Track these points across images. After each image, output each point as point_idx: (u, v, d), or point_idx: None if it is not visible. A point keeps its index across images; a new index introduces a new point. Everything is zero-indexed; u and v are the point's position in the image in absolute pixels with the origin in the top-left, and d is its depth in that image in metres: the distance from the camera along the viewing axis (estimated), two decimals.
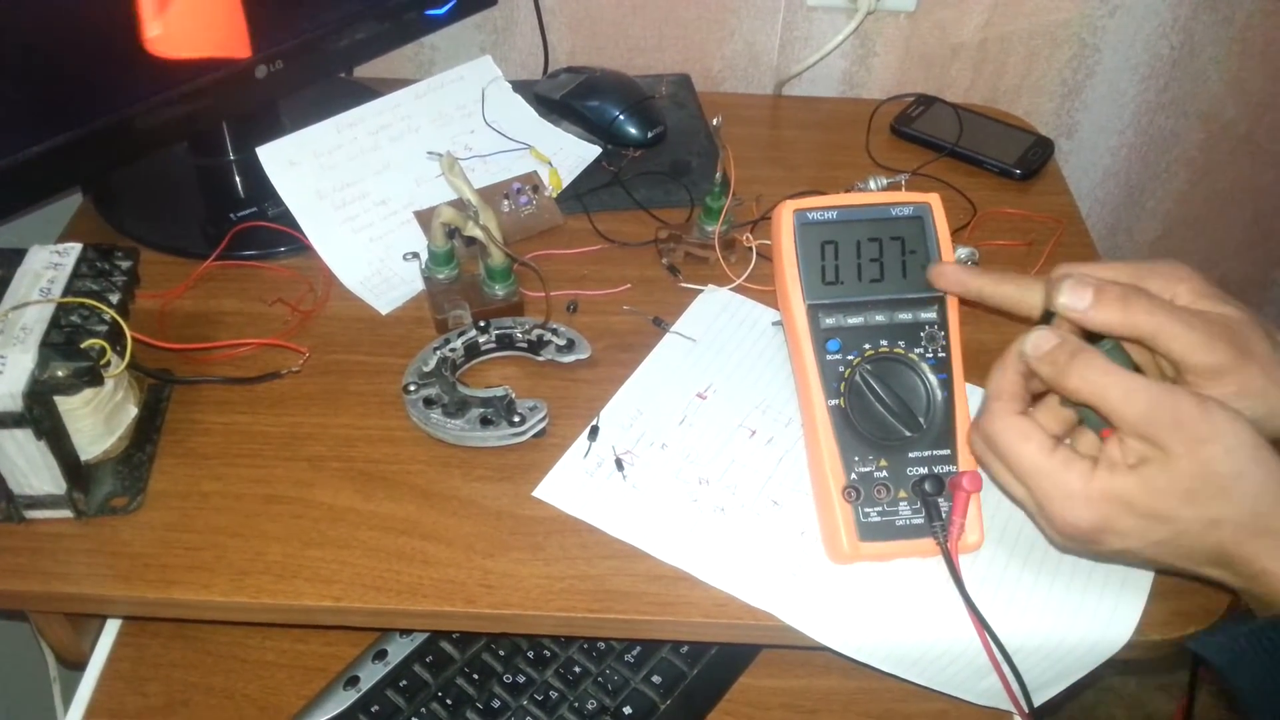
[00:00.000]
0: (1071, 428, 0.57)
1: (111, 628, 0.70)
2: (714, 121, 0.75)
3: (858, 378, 0.60)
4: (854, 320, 0.61)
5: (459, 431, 0.65)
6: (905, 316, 0.61)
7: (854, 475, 0.59)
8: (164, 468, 0.65)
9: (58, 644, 0.69)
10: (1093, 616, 0.58)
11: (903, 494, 0.59)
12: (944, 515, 0.58)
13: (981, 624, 0.56)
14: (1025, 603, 0.58)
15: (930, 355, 0.61)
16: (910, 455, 0.59)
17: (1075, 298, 0.52)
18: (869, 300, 0.61)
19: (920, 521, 0.58)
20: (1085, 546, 0.53)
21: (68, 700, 0.68)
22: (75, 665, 0.70)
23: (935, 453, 0.59)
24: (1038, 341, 0.53)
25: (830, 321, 0.61)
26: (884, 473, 0.59)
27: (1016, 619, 0.58)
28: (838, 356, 0.60)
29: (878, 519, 0.59)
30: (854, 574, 0.60)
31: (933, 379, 0.60)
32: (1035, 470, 0.52)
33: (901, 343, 0.61)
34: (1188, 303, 0.54)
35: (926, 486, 0.58)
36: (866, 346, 0.60)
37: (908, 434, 0.59)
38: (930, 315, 0.61)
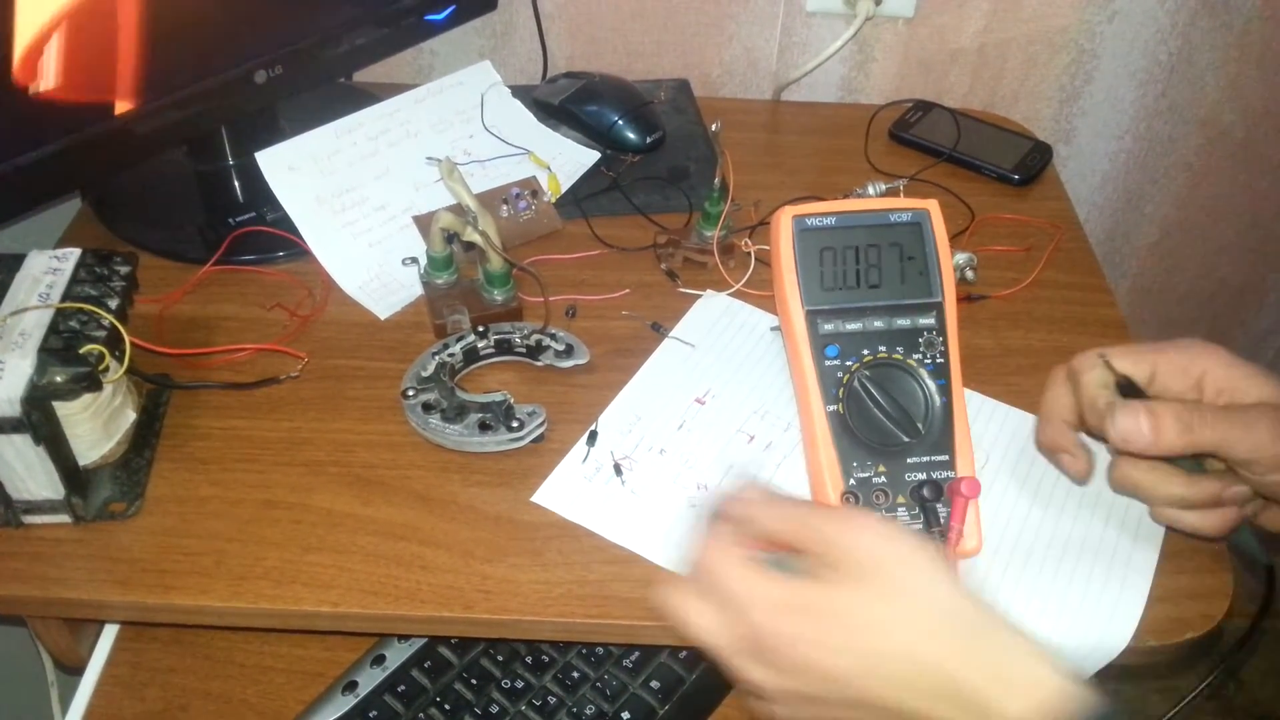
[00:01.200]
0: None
1: (110, 633, 0.70)
2: (713, 127, 0.75)
3: (856, 383, 0.60)
4: (852, 326, 0.61)
5: (457, 437, 0.65)
6: (904, 322, 0.61)
7: (852, 481, 0.59)
8: (162, 473, 0.65)
9: (56, 649, 0.69)
10: (1091, 622, 0.58)
11: (901, 499, 0.59)
12: (942, 520, 0.58)
13: None
14: (1023, 608, 0.58)
15: (929, 361, 0.61)
16: (909, 461, 0.59)
17: (1134, 432, 0.53)
18: (868, 306, 0.61)
19: (919, 527, 0.58)
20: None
21: (65, 705, 0.68)
22: (73, 670, 0.70)
23: (934, 458, 0.59)
24: None
25: (829, 327, 0.61)
26: (882, 478, 0.59)
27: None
28: (836, 362, 0.60)
29: None
30: None
31: (931, 385, 0.60)
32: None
33: (900, 348, 0.61)
34: (1220, 377, 0.55)
35: (925, 492, 0.58)
36: (865, 352, 0.61)
37: (906, 440, 0.59)
38: (929, 321, 0.61)
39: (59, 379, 0.57)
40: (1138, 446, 0.53)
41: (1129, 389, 0.56)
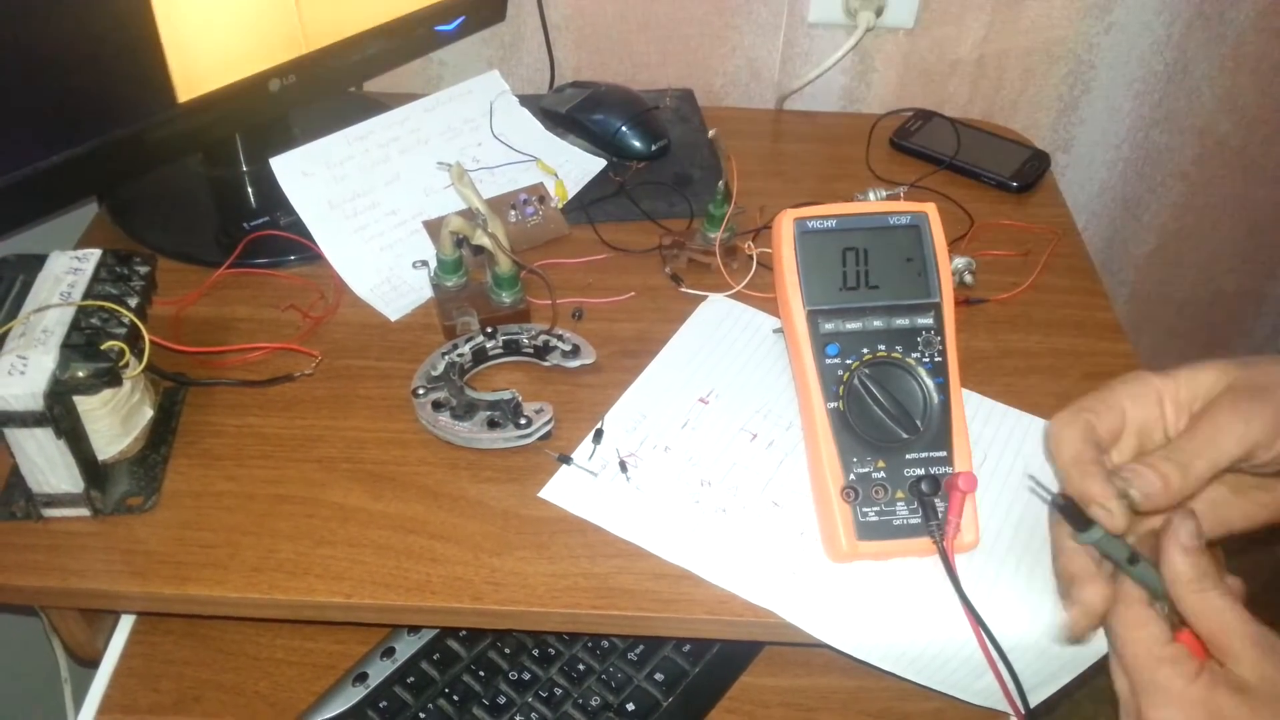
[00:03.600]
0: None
1: (124, 625, 0.72)
2: (710, 134, 0.76)
3: (856, 381, 0.61)
4: (852, 325, 0.62)
5: (466, 434, 0.66)
6: (903, 322, 0.63)
7: (852, 476, 0.60)
8: (178, 468, 0.66)
9: (73, 641, 0.70)
10: None
11: (900, 494, 0.60)
12: (940, 515, 0.59)
13: (977, 622, 0.57)
14: (1021, 601, 0.59)
15: (927, 360, 0.62)
16: (907, 456, 0.61)
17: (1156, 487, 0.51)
18: (867, 306, 0.63)
19: (917, 521, 0.60)
20: None
21: (78, 701, 0.69)
22: (88, 664, 0.71)
23: (932, 454, 0.61)
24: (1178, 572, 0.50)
25: (829, 327, 0.62)
26: (882, 473, 0.60)
27: (1012, 618, 0.59)
28: (837, 360, 0.62)
29: (875, 519, 0.60)
30: (852, 573, 0.61)
31: (929, 383, 0.61)
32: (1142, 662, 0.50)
33: (899, 347, 0.62)
34: (1172, 389, 0.53)
35: (923, 487, 0.60)
36: (865, 351, 0.62)
37: (905, 436, 0.61)
38: (927, 321, 0.63)
39: (81, 374, 0.59)
40: (1159, 502, 0.51)
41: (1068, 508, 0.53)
